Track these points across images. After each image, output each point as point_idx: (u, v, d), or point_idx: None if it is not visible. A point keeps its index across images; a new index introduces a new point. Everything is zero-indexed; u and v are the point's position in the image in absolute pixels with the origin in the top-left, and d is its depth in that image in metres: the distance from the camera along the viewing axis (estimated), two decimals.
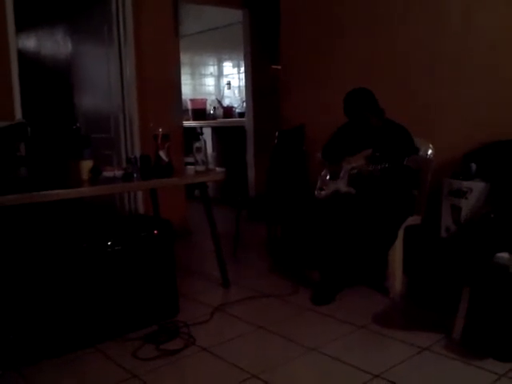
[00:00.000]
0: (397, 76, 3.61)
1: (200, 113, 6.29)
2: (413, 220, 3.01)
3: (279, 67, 4.61)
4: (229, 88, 6.64)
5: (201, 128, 3.08)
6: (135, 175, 2.81)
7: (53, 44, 5.39)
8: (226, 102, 6.74)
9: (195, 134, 2.91)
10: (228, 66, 7.04)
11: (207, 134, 5.91)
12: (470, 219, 2.59)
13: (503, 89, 3.05)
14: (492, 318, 2.25)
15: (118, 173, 2.82)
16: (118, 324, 2.52)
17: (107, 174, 2.80)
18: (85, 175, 2.68)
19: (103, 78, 4.39)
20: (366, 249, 2.86)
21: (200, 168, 3.01)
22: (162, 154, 2.82)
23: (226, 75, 6.98)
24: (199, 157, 2.98)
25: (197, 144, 2.88)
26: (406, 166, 2.68)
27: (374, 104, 3.01)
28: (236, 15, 5.12)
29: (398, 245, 2.94)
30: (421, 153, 3.09)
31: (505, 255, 2.19)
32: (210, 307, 2.84)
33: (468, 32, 3.25)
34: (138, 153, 4.14)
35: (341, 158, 3.09)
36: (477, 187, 2.84)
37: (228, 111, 6.33)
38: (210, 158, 4.94)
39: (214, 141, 5.90)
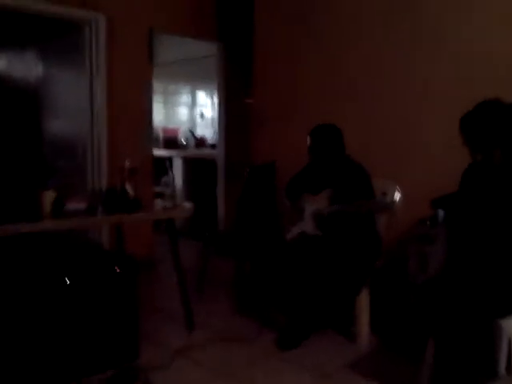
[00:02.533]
0: (367, 114, 3.65)
1: (172, 142, 6.22)
2: (380, 264, 2.99)
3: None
4: (202, 118, 6.61)
5: (170, 160, 3.01)
6: (99, 209, 2.71)
7: (23, 67, 5.28)
8: (199, 133, 6.70)
9: (164, 167, 2.84)
10: (202, 96, 7.04)
11: (178, 164, 5.83)
12: (436, 269, 2.57)
13: None
14: (456, 370, 2.21)
15: (82, 205, 2.72)
16: (74, 368, 2.38)
17: (70, 206, 2.69)
18: (47, 207, 2.57)
19: (73, 105, 4.31)
20: (334, 293, 2.82)
21: (168, 203, 2.93)
22: (128, 187, 2.74)
23: (201, 105, 6.96)
24: (167, 191, 2.91)
25: (165, 178, 2.81)
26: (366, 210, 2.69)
27: (340, 141, 3.03)
28: (211, 47, 5.13)
29: (365, 289, 2.90)
30: (389, 195, 3.11)
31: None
32: (171, 350, 2.73)
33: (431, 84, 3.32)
34: (105, 183, 4.05)
35: (301, 196, 3.06)
36: (443, 234, 2.84)
37: (200, 142, 6.28)
38: (178, 191, 4.90)
39: (184, 171, 5.81)
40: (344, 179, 2.95)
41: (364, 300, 2.92)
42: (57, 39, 4.42)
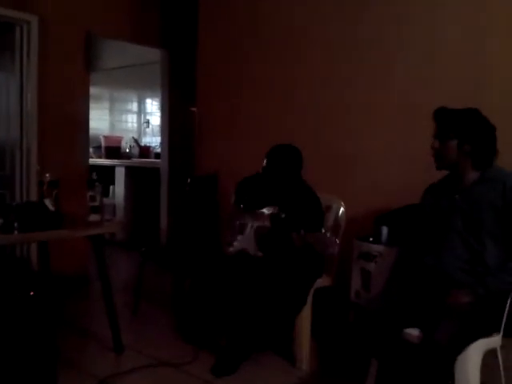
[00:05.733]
0: (311, 127, 3.55)
1: (114, 151, 5.95)
2: (322, 282, 2.86)
3: None
4: (147, 126, 6.39)
5: (96, 175, 2.79)
6: (16, 225, 2.46)
7: None
8: (147, 141, 6.47)
9: (90, 181, 2.62)
10: (149, 104, 6.81)
11: (120, 174, 5.58)
12: (380, 287, 2.47)
13: (416, 152, 3.01)
14: None
15: None
16: None
17: None
18: None
19: (2, 109, 4.01)
20: (274, 313, 2.66)
21: (94, 218, 2.71)
22: (47, 202, 2.50)
23: (148, 113, 6.74)
24: (94, 205, 2.69)
25: (90, 193, 2.59)
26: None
27: (299, 164, 2.89)
28: (157, 54, 4.95)
29: (307, 309, 2.76)
30: (332, 210, 3.01)
31: (413, 332, 2.07)
32: (94, 379, 2.49)
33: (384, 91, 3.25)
34: (35, 195, 3.77)
35: (245, 210, 2.90)
36: (387, 252, 2.75)
37: (145, 151, 6.05)
38: (119, 203, 4.64)
39: (127, 181, 5.56)
40: (293, 202, 2.81)
41: (305, 320, 2.77)
42: None
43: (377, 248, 2.80)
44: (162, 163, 4.95)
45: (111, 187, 5.63)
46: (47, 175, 2.51)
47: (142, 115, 6.80)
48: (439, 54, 3.01)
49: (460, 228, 2.17)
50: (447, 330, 1.94)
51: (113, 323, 2.83)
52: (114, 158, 5.81)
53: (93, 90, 4.61)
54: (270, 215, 2.70)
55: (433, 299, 2.11)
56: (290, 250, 2.70)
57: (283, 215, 2.56)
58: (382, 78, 3.24)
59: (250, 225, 2.84)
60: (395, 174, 3.12)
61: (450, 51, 2.97)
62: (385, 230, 2.83)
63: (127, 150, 6.25)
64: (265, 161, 2.88)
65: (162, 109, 5.02)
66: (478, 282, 2.03)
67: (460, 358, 1.93)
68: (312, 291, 2.76)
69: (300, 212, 2.71)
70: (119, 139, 6.23)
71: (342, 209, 3.03)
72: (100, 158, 5.89)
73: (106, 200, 4.50)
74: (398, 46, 3.18)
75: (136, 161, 5.85)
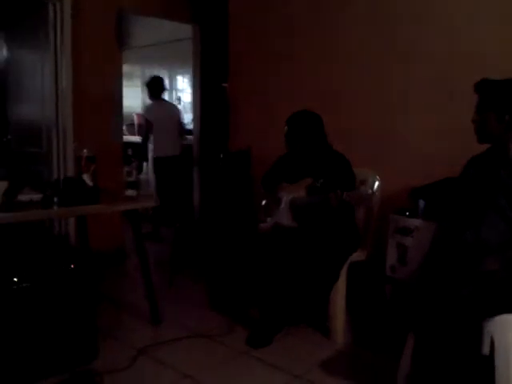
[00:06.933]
0: (345, 102, 3.49)
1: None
2: (357, 256, 2.84)
3: None
4: (179, 103, 6.39)
5: (132, 150, 2.81)
6: (55, 200, 2.52)
7: None
8: None
9: (126, 156, 2.65)
10: (180, 81, 6.81)
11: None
12: (418, 262, 2.43)
13: (452, 125, 2.93)
14: (437, 367, 2.09)
15: (37, 196, 2.52)
16: (26, 371, 2.21)
17: (23, 197, 2.49)
18: None
19: (38, 88, 4.07)
20: (308, 287, 2.66)
21: (131, 193, 2.75)
22: (86, 177, 2.54)
23: (179, 90, 6.74)
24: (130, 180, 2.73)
25: (127, 168, 2.62)
26: (345, 201, 2.52)
27: (320, 129, 2.85)
28: (187, 30, 4.91)
29: (341, 283, 2.75)
30: (368, 184, 2.96)
31: None
32: (133, 350, 2.56)
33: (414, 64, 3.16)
34: (72, 172, 3.83)
35: (278, 186, 2.88)
36: (424, 226, 2.70)
37: None
38: (151, 179, 4.69)
39: None
40: (324, 168, 2.77)
41: (340, 294, 2.77)
42: (22, 19, 4.17)
43: (413, 222, 2.76)
44: (194, 139, 4.95)
45: (144, 164, 5.68)
46: (85, 151, 2.55)
47: (174, 92, 6.80)
48: (477, 28, 2.90)
49: (503, 205, 2.09)
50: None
51: (150, 296, 2.89)
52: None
53: (125, 68, 4.63)
54: (307, 186, 2.66)
55: (471, 275, 2.06)
56: (327, 216, 2.66)
57: (318, 184, 2.53)
58: (417, 52, 3.15)
59: (284, 199, 2.83)
60: (433, 147, 3.04)
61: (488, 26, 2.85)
62: (422, 203, 2.78)
63: None
64: (286, 128, 2.88)
65: (194, 85, 5.00)
66: None
67: (499, 326, 1.89)
68: (347, 265, 2.75)
69: (333, 176, 2.68)
70: None
71: (377, 182, 2.98)
72: (133, 135, 5.93)
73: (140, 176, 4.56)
74: (433, 19, 3.07)
75: None
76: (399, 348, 2.27)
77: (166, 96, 6.83)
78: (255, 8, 4.08)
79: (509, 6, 2.81)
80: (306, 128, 2.85)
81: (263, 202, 3.05)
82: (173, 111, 5.13)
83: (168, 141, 4.86)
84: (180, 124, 5.17)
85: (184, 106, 6.50)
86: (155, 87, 4.97)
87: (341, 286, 2.75)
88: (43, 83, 3.99)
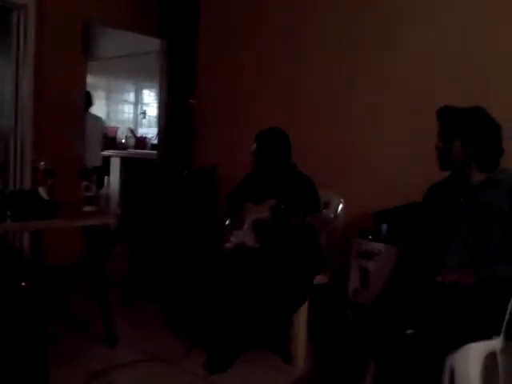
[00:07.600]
0: (314, 121, 3.50)
1: (109, 141, 5.87)
2: (320, 279, 2.81)
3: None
4: (144, 117, 6.31)
5: (93, 167, 2.73)
6: (8, 213, 2.39)
7: None
8: (143, 132, 6.39)
9: (85, 170, 2.56)
10: (146, 94, 6.73)
11: (115, 164, 5.50)
12: (380, 286, 2.42)
13: (416, 150, 2.97)
14: None
15: None
16: None
17: None
18: None
19: None
20: (271, 309, 2.61)
21: (89, 209, 2.65)
22: (41, 191, 2.43)
23: (145, 104, 6.66)
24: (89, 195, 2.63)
25: (85, 183, 2.52)
26: (308, 224, 2.50)
27: (287, 148, 2.85)
28: (155, 44, 4.86)
29: (303, 306, 2.72)
30: (332, 207, 2.95)
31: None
32: (86, 374, 2.43)
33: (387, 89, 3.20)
34: (29, 184, 3.69)
35: (242, 206, 2.85)
36: (387, 250, 2.71)
37: (141, 142, 5.97)
38: (113, 194, 4.57)
39: (122, 172, 5.49)
40: (289, 189, 2.76)
41: (302, 317, 2.73)
42: None
43: (376, 246, 2.76)
44: (159, 155, 4.87)
45: (106, 178, 5.55)
46: (42, 163, 2.45)
47: (139, 106, 6.72)
48: (451, 52, 2.96)
49: (464, 232, 2.11)
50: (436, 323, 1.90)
51: (106, 316, 2.77)
52: (110, 149, 5.73)
53: (90, 79, 4.53)
54: (271, 207, 2.64)
55: (434, 301, 2.06)
56: (290, 238, 2.64)
57: (283, 205, 2.51)
58: (387, 76, 3.19)
59: (247, 219, 2.79)
60: (396, 173, 3.08)
61: (460, 50, 2.93)
62: (384, 227, 2.79)
63: (123, 141, 6.17)
64: (254, 145, 2.87)
65: (160, 99, 4.94)
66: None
67: (460, 357, 1.89)
68: (311, 288, 2.71)
69: (298, 198, 2.66)
70: (115, 129, 6.15)
71: (341, 205, 2.98)
72: None
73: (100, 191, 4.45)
74: (403, 44, 3.13)
75: (132, 152, 5.77)
76: (360, 374, 2.25)
77: (131, 109, 6.81)
78: (225, 24, 4.08)
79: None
80: (275, 145, 2.85)
81: (227, 222, 3.01)
82: (95, 124, 5.10)
83: (91, 153, 4.80)
84: (102, 136, 5.27)
85: (149, 120, 6.43)
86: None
87: (303, 308, 2.71)
88: (3, 90, 3.85)
